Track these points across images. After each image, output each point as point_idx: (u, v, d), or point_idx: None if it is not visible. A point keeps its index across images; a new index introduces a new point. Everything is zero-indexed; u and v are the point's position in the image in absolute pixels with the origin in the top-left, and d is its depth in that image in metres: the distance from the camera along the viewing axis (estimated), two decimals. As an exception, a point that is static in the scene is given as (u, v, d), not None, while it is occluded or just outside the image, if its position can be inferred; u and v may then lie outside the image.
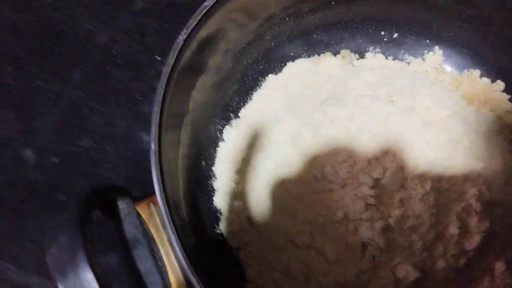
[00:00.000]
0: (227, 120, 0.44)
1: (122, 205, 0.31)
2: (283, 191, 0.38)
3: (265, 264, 0.38)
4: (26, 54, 0.51)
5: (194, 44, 0.34)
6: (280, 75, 0.46)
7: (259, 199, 0.39)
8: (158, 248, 0.30)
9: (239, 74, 0.44)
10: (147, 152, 0.45)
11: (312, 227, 0.36)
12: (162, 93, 0.31)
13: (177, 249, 0.27)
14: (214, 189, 0.41)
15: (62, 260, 0.24)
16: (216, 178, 0.42)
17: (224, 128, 0.43)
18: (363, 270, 0.34)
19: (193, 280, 0.27)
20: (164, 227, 0.29)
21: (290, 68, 0.46)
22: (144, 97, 0.49)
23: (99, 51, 0.52)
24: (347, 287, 0.35)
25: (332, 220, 0.35)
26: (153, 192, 0.29)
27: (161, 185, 0.29)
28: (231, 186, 0.41)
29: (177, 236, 0.28)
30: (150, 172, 0.44)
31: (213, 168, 0.42)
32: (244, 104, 0.45)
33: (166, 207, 0.28)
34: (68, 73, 0.51)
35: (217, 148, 0.43)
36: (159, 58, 0.52)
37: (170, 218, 0.28)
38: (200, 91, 0.39)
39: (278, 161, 0.39)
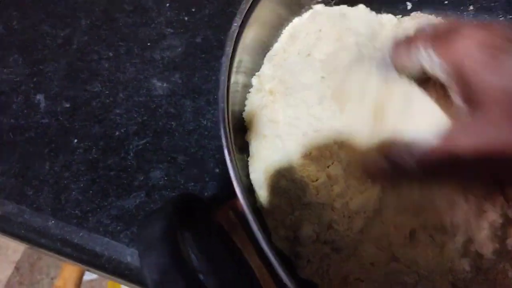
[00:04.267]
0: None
1: (200, 215, 0.29)
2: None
3: None
4: (31, -1, 0.50)
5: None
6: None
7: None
8: (246, 261, 0.27)
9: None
10: (159, 97, 0.46)
11: None
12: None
13: (276, 264, 0.24)
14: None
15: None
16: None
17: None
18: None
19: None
20: (250, 238, 0.27)
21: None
22: (154, 43, 0.48)
23: (106, -4, 0.51)
24: None
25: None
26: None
27: (243, 193, 0.26)
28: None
29: (271, 248, 0.24)
30: (163, 118, 0.44)
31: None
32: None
33: (253, 217, 0.25)
34: (75, 19, 0.50)
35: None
36: (168, 4, 0.51)
37: (259, 229, 0.25)
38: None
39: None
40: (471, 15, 0.45)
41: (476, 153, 0.24)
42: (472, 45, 0.25)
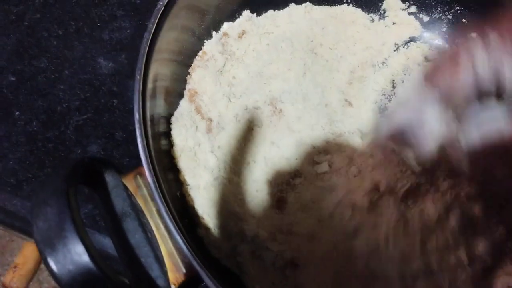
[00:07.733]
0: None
1: (108, 177, 0.30)
2: None
3: None
4: (-14, -25, 0.51)
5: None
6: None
7: None
8: (147, 220, 0.29)
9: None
10: (104, 76, 0.47)
11: None
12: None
13: (167, 219, 0.26)
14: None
15: (50, 234, 0.23)
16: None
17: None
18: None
19: (185, 248, 0.26)
20: (153, 199, 0.28)
21: None
22: (104, 24, 0.50)
23: (61, -24, 0.52)
24: None
25: None
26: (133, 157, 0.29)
27: (148, 157, 0.28)
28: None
29: (166, 207, 0.27)
30: (106, 96, 0.46)
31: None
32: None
33: (154, 178, 0.27)
34: (29, -4, 0.51)
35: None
36: (122, -13, 0.52)
37: (158, 189, 0.27)
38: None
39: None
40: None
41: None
42: None
